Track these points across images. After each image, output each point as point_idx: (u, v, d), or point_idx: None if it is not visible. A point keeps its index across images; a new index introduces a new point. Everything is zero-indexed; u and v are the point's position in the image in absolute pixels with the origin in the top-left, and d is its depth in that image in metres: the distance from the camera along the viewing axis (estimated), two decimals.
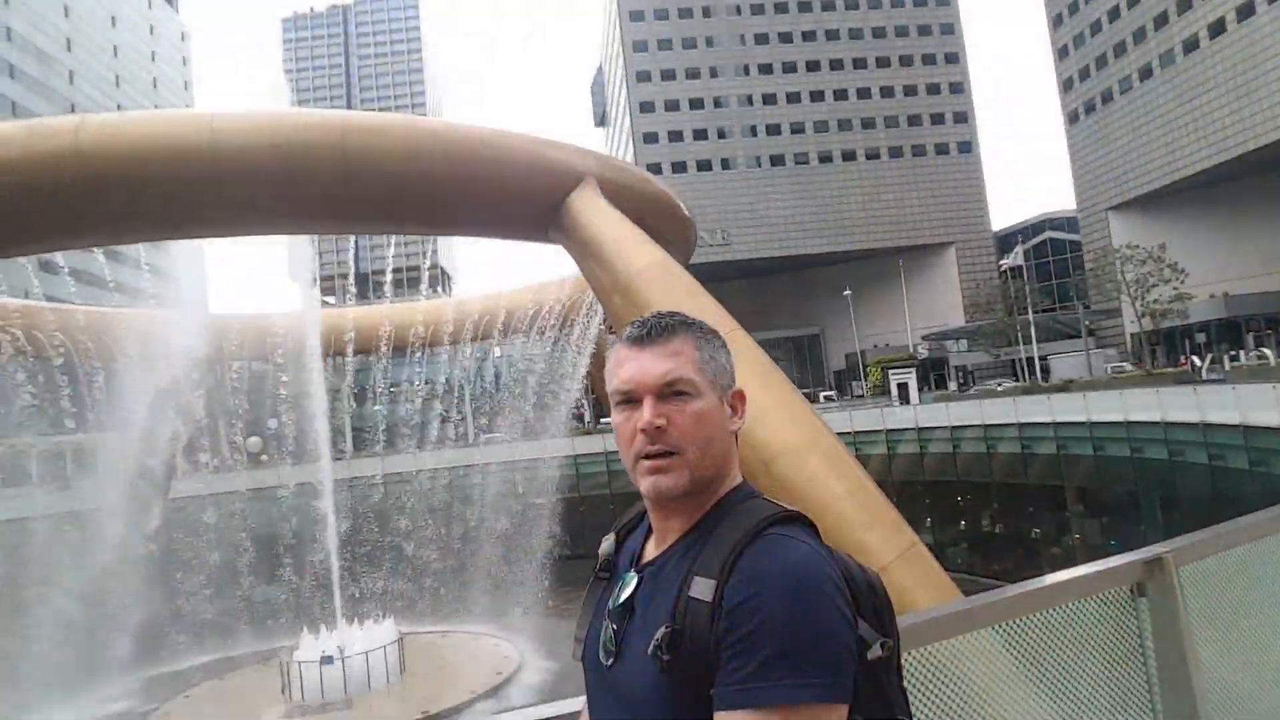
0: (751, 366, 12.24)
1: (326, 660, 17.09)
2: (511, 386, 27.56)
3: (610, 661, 1.32)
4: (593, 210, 12.34)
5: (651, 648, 1.19)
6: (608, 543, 1.52)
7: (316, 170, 10.13)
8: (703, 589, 1.20)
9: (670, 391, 1.33)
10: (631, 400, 1.36)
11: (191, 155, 9.99)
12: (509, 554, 24.18)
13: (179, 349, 18.50)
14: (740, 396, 1.41)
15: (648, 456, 1.33)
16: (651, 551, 1.40)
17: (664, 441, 1.32)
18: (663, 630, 1.20)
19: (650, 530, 1.43)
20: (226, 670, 20.34)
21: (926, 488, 29.32)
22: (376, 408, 32.42)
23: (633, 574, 1.38)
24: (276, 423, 29.17)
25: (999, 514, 29.22)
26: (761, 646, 1.12)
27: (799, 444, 11.33)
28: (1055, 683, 2.86)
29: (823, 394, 61.60)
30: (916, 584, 11.16)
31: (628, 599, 1.35)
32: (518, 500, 25.49)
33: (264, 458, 31.75)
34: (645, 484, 1.34)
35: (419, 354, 25.96)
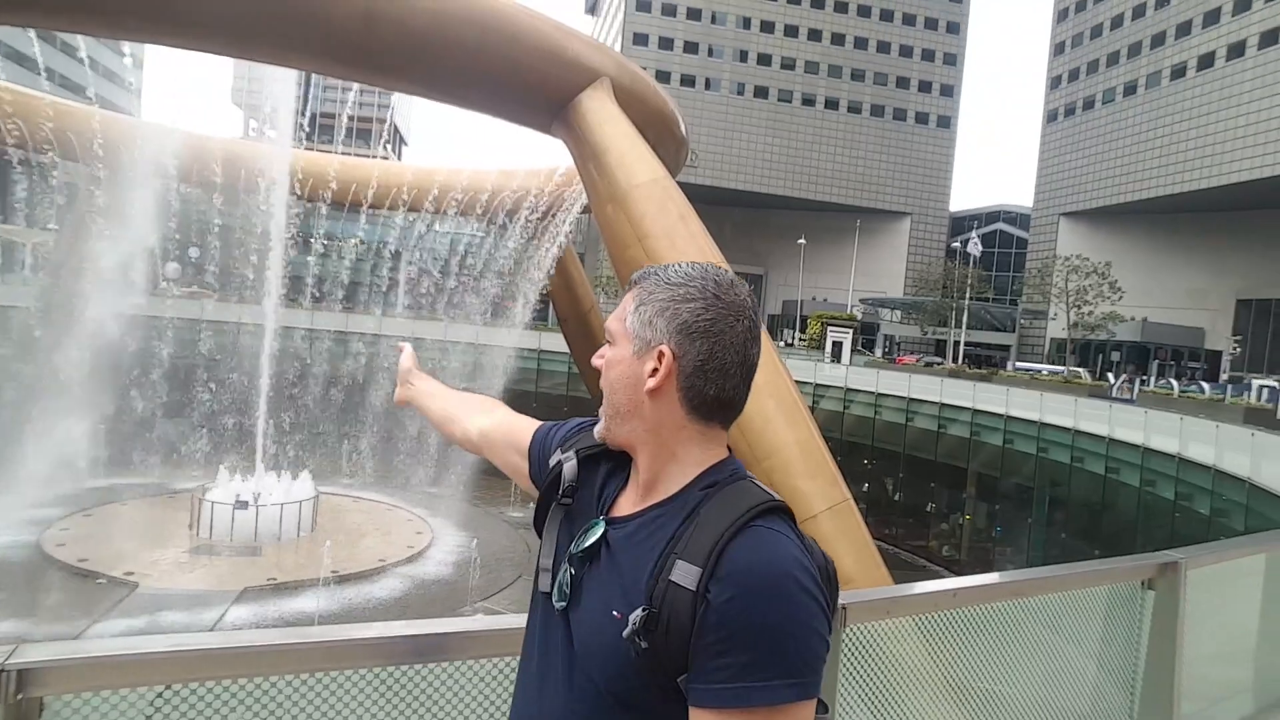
0: None
1: (241, 505, 17.01)
2: (469, 266, 26.63)
3: (564, 605, 1.29)
4: (603, 114, 11.99)
5: (628, 631, 1.15)
6: (571, 465, 1.40)
7: (340, 3, 9.44)
8: (685, 575, 1.14)
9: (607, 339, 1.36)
10: None
11: None
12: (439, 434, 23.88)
13: (155, 162, 17.25)
14: (659, 355, 1.26)
15: None
16: (625, 506, 1.34)
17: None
18: (639, 613, 1.15)
19: (626, 480, 1.37)
20: (133, 497, 19.96)
21: (841, 446, 30.49)
22: (310, 259, 30.67)
23: (601, 522, 1.32)
24: (197, 252, 27.54)
25: (902, 483, 30.82)
26: (747, 646, 1.09)
27: (760, 385, 11.59)
28: (1046, 662, 3.20)
29: None
30: (839, 535, 11.77)
31: (592, 546, 1.29)
32: (465, 381, 24.92)
33: (180, 287, 30.11)
34: None
35: (369, 216, 24.60)
